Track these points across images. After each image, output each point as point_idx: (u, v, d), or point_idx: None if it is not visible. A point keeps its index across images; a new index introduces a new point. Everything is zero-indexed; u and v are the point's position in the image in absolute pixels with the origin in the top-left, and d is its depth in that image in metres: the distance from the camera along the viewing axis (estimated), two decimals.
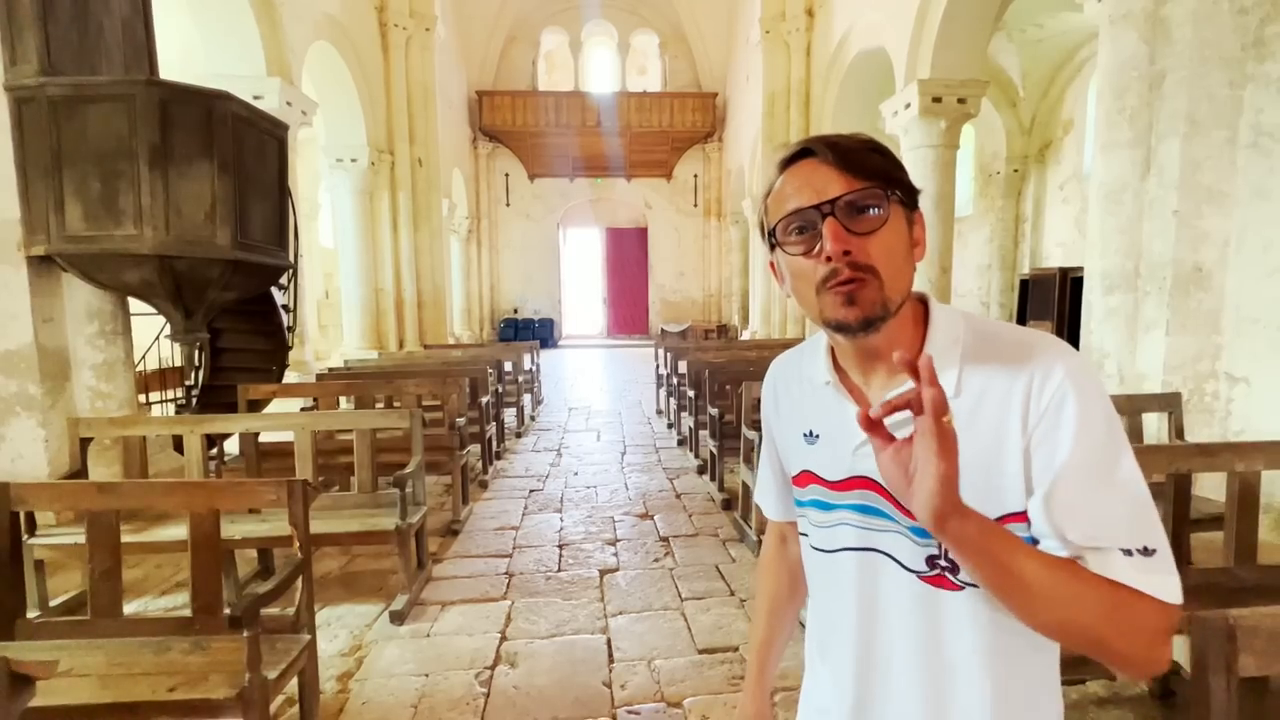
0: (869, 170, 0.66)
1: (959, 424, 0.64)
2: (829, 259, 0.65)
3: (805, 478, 0.79)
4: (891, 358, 0.69)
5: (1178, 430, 3.00)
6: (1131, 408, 2.95)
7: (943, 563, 0.67)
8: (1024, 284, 10.16)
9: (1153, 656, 0.59)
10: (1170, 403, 3.03)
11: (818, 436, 0.77)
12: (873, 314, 0.65)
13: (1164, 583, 0.58)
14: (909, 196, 0.68)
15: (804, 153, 0.68)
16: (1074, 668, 1.52)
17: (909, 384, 0.66)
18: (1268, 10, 3.11)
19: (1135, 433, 2.94)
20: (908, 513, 0.68)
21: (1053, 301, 8.88)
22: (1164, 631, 0.59)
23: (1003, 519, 0.64)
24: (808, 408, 0.79)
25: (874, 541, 0.72)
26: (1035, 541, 0.65)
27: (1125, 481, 0.61)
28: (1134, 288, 3.54)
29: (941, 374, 0.66)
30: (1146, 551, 0.59)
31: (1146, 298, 3.49)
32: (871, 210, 0.65)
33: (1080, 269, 6.17)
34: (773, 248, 0.71)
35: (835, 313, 0.66)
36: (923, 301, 0.73)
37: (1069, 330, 8.26)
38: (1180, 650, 1.59)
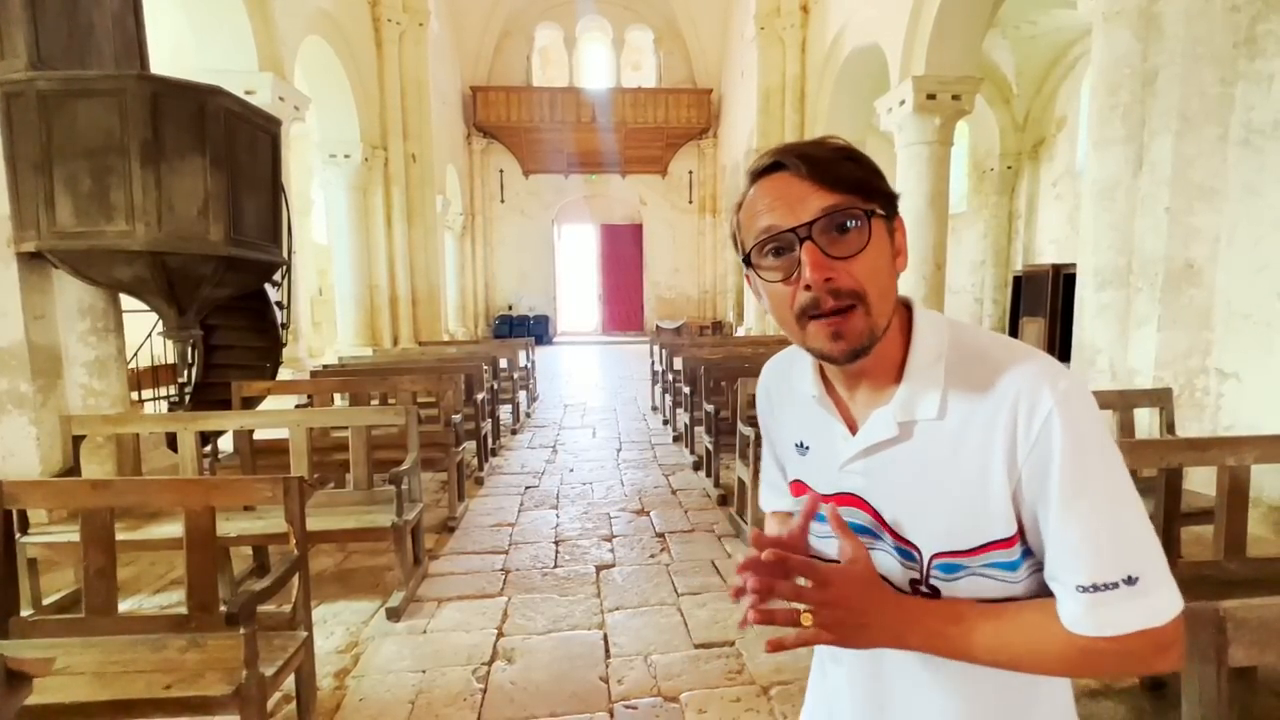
0: (846, 183, 0.62)
1: (944, 448, 0.64)
2: (809, 287, 0.62)
3: (798, 487, 0.78)
4: (876, 372, 0.68)
5: (1169, 425, 3.03)
6: (1123, 403, 2.98)
7: (924, 589, 0.67)
8: (1017, 280, 10.22)
9: (1159, 669, 0.61)
10: (1161, 398, 3.05)
11: (808, 448, 0.76)
12: (860, 345, 0.63)
13: (1152, 605, 0.58)
14: (889, 206, 0.65)
15: (776, 165, 0.64)
16: None
17: (892, 400, 0.67)
18: (1259, 8, 3.13)
19: (1127, 427, 2.96)
20: (893, 533, 0.68)
21: (1046, 298, 8.94)
22: (1160, 652, 0.60)
23: (986, 546, 0.63)
24: (797, 419, 0.78)
25: None
26: (1022, 566, 0.64)
27: (1114, 512, 0.59)
28: (1126, 284, 3.57)
29: (925, 394, 0.65)
30: (1130, 580, 0.58)
31: (1138, 294, 3.51)
32: (852, 229, 0.62)
33: (1073, 265, 6.21)
34: (747, 264, 0.67)
35: (821, 345, 0.64)
36: (906, 306, 0.70)
37: (1062, 326, 8.31)
38: None
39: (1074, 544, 0.59)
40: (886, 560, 0.69)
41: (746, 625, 0.62)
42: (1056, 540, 0.60)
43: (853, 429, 0.70)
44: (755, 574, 0.61)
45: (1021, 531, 0.63)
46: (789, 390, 0.79)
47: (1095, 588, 0.58)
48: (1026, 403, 0.60)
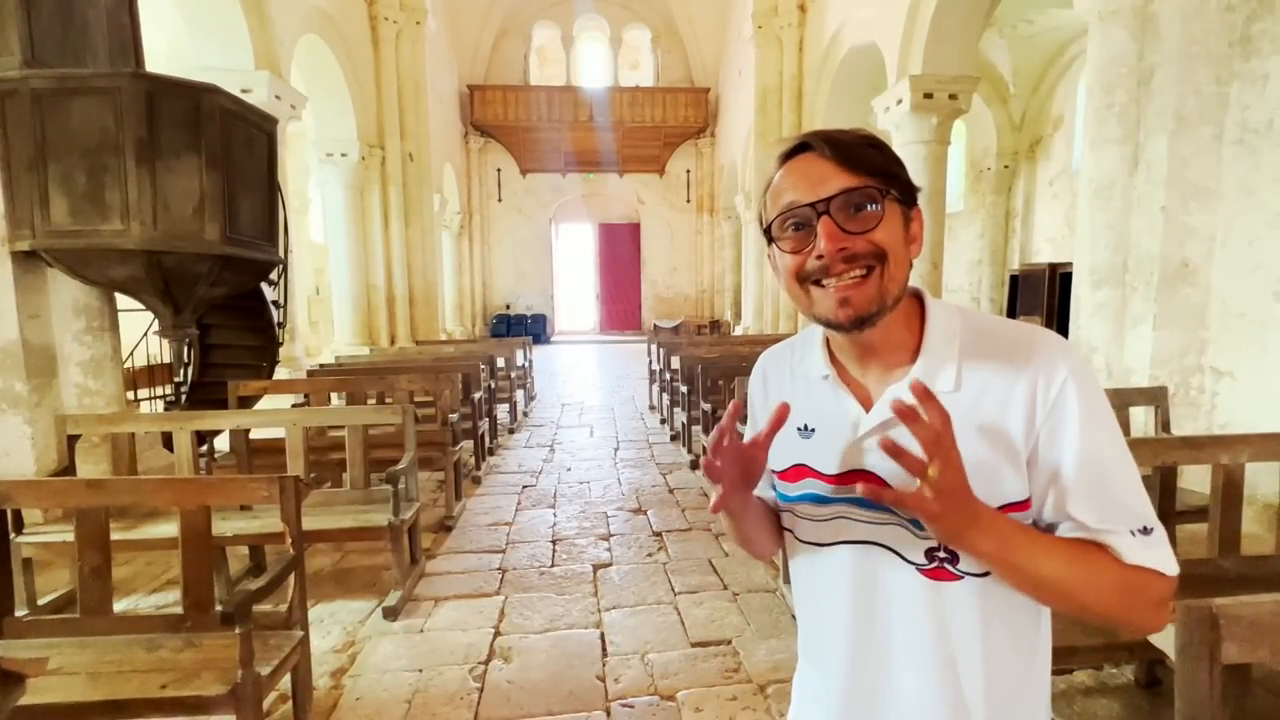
0: (867, 166, 0.66)
1: (959, 418, 0.66)
2: (820, 256, 0.65)
3: (799, 471, 0.78)
4: (887, 351, 0.72)
5: (1164, 423, 3.04)
6: (1119, 401, 2.98)
7: (941, 554, 0.69)
8: (1014, 279, 10.24)
9: (1156, 623, 0.66)
10: (1157, 396, 3.06)
11: (814, 430, 0.77)
12: (867, 311, 0.66)
13: (1164, 556, 0.65)
14: (907, 194, 0.68)
15: (802, 147, 0.68)
16: (1062, 658, 1.55)
17: (909, 377, 0.69)
18: (1254, 8, 3.14)
19: (1123, 426, 2.97)
20: None
21: (1042, 297, 8.97)
22: (1165, 601, 0.66)
23: (1003, 508, 0.66)
24: (802, 402, 0.78)
25: (874, 534, 0.73)
26: (1040, 528, 0.68)
27: (1126, 469, 0.65)
28: (1122, 283, 3.58)
29: (941, 369, 0.68)
30: (1146, 530, 0.64)
31: (1134, 293, 3.52)
32: (868, 208, 0.65)
33: (1069, 264, 6.22)
34: (770, 241, 0.71)
35: (827, 312, 0.67)
36: (918, 298, 0.74)
37: (1058, 325, 8.33)
38: (1166, 639, 1.62)
39: (1101, 496, 0.64)
40: (900, 534, 0.71)
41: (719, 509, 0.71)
42: (1081, 494, 0.64)
43: (866, 407, 0.72)
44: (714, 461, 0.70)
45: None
46: (789, 376, 0.82)
47: (1141, 531, 0.64)
48: (1045, 373, 0.65)
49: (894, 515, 0.71)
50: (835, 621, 0.76)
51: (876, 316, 0.67)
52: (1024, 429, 0.65)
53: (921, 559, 0.69)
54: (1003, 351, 0.68)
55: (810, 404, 0.78)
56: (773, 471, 0.83)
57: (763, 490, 0.87)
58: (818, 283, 0.67)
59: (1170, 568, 0.64)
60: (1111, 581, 0.63)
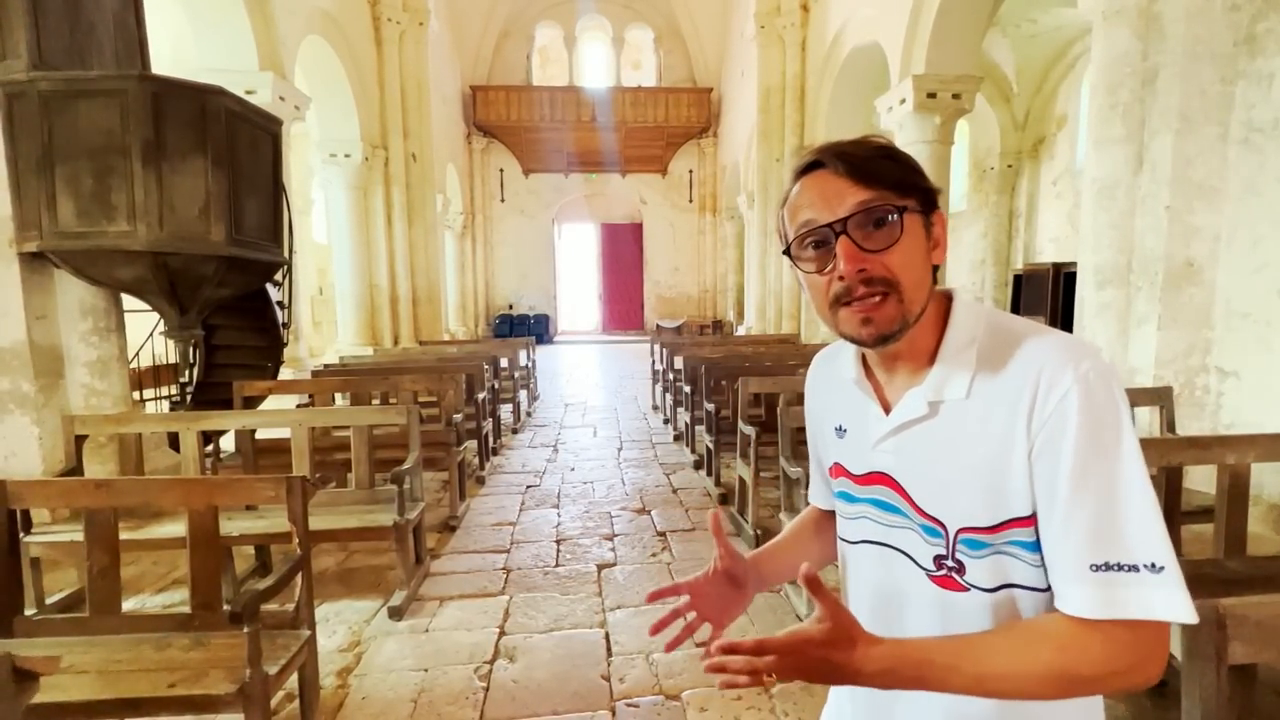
0: (882, 180, 0.65)
1: (969, 427, 0.66)
2: (842, 277, 0.65)
3: (836, 470, 0.81)
4: (911, 357, 0.70)
5: (1169, 424, 3.04)
6: None
7: (949, 563, 0.68)
8: (1017, 279, 10.21)
9: (1140, 677, 0.59)
10: (1162, 397, 3.06)
11: (845, 430, 0.79)
12: (888, 330, 0.66)
13: (1177, 599, 0.57)
14: (926, 200, 0.67)
15: (816, 163, 0.68)
16: None
17: (926, 382, 0.69)
18: (1259, 7, 3.13)
19: None
20: (920, 510, 0.69)
21: (1046, 297, 8.93)
22: (1162, 648, 0.59)
23: (1007, 523, 0.64)
24: (838, 403, 0.81)
25: (890, 537, 0.74)
26: (1037, 546, 0.64)
27: (1131, 496, 0.58)
28: (1126, 283, 3.57)
29: (955, 376, 0.67)
30: (1154, 568, 0.57)
31: (1138, 292, 3.51)
32: (887, 222, 0.65)
33: (1073, 264, 6.21)
34: (789, 255, 0.71)
35: (852, 330, 0.68)
36: (948, 297, 0.72)
37: (1062, 325, 8.31)
38: (1172, 640, 1.62)
39: (1089, 520, 0.58)
40: (912, 538, 0.71)
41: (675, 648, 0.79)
42: (1067, 516, 0.59)
43: (887, 410, 0.73)
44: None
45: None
46: (831, 376, 0.84)
47: (1112, 566, 0.57)
48: (1047, 379, 0.61)
49: (907, 519, 0.71)
50: (859, 616, 0.77)
51: (900, 333, 0.67)
52: (1024, 439, 0.62)
53: (930, 565, 0.69)
54: (1015, 357, 0.65)
55: (844, 405, 0.80)
56: (824, 467, 0.87)
57: (825, 495, 0.91)
58: (846, 304, 0.67)
59: (1186, 614, 0.56)
60: (1049, 660, 0.59)
